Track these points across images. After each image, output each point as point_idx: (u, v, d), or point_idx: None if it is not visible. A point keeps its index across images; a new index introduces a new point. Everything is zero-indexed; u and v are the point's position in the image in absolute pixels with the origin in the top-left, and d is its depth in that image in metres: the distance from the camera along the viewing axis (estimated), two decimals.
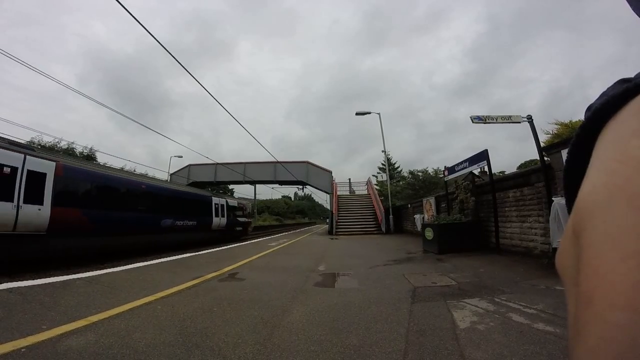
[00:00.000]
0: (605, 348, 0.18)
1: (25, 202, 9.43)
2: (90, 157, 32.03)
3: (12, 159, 9.23)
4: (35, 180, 9.83)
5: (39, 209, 9.84)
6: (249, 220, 30.13)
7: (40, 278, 5.65)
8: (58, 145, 31.20)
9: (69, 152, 30.49)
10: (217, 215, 21.71)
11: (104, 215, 12.39)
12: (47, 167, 10.28)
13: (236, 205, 25.59)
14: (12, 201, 9.11)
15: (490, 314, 3.70)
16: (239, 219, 25.54)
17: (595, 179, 0.23)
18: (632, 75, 0.29)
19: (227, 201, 23.78)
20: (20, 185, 9.35)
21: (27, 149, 10.74)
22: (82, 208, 11.43)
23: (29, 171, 9.61)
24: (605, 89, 0.29)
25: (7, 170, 9.03)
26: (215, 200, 21.89)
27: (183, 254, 10.09)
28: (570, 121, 12.92)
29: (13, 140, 11.23)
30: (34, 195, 9.71)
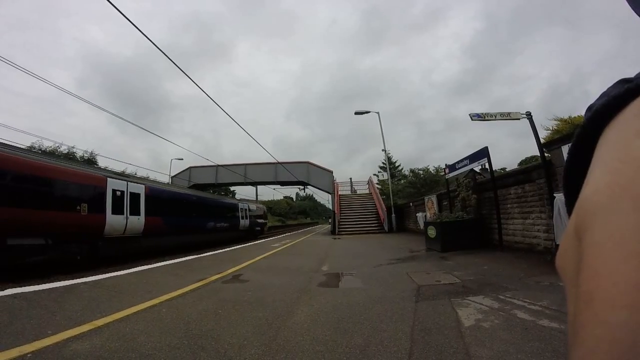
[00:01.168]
0: (605, 349, 0.18)
1: (130, 214, 13.62)
2: (90, 161, 32.02)
3: (122, 185, 13.46)
4: (135, 198, 14.13)
5: (138, 219, 14.06)
6: (266, 221, 35.03)
7: (44, 283, 5.66)
8: (58, 150, 31.20)
9: (70, 156, 30.50)
10: (242, 218, 26.69)
11: (174, 221, 16.82)
12: (140, 189, 14.59)
13: (255, 209, 30.52)
14: (123, 214, 13.19)
15: (494, 312, 3.70)
16: (258, 220, 30.85)
17: (599, 180, 0.23)
18: (631, 74, 0.29)
19: (249, 206, 28.66)
20: (126, 202, 13.47)
21: (128, 177, 15.90)
22: (161, 216, 15.74)
23: (131, 193, 13.85)
24: (604, 85, 0.29)
25: (119, 193, 13.09)
26: (241, 205, 27.00)
27: (186, 256, 10.10)
28: (569, 117, 12.88)
29: (120, 172, 17.24)
30: (135, 209, 13.99)
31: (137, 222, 13.92)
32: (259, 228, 30.59)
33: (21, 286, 5.22)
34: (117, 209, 12.80)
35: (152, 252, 14.23)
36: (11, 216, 8.93)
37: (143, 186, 14.83)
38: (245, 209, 27.60)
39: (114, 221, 12.56)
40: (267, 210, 35.72)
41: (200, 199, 20.99)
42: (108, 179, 12.77)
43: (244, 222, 26.91)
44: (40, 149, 28.19)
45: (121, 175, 15.03)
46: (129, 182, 13.95)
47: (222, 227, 22.91)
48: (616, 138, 0.24)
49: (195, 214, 19.41)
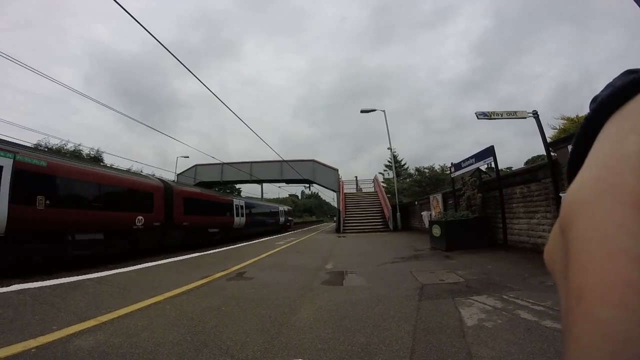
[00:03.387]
0: (598, 345, 0.18)
1: (240, 216, 24.27)
2: (97, 159, 32.24)
3: (240, 202, 25.19)
4: (242, 208, 24.73)
5: (242, 219, 24.27)
6: (292, 218, 49.55)
7: (50, 279, 5.72)
8: (65, 148, 31.42)
9: (76, 154, 30.71)
10: (281, 216, 38.19)
11: (254, 219, 27.64)
12: (243, 202, 25.57)
13: (287, 210, 43.49)
14: (240, 216, 24.06)
15: (498, 311, 3.68)
16: (289, 217, 43.55)
17: (586, 174, 0.23)
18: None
19: (284, 208, 41.59)
20: (240, 211, 24.33)
21: (233, 194, 33.64)
22: (250, 217, 26.28)
23: (240, 206, 24.57)
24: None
25: (240, 207, 24.49)
26: (281, 208, 39.34)
27: (191, 254, 10.15)
28: (577, 116, 12.79)
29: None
30: (242, 214, 24.64)
31: (243, 220, 24.71)
32: (288, 223, 42.32)
33: (27, 282, 5.27)
34: (239, 215, 23.89)
35: (245, 237, 22.01)
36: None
37: (244, 201, 26.08)
38: (283, 210, 40.02)
39: (238, 220, 23.71)
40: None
41: (264, 206, 33.13)
42: (234, 199, 24.25)
43: (282, 219, 38.39)
44: (46, 147, 28.43)
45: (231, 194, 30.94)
46: (240, 200, 25.55)
47: (272, 222, 34.05)
48: (613, 132, 0.24)
49: (262, 214, 30.94)
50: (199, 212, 17.73)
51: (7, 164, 8.51)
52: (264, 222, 30.70)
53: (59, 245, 9.94)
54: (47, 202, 9.49)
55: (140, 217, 13.17)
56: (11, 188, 8.47)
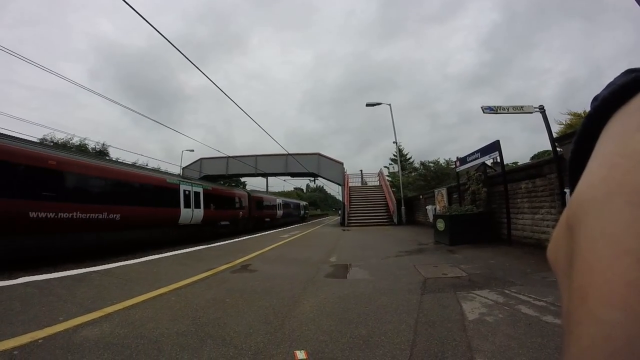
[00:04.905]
0: (600, 347, 0.18)
1: (280, 210, 36.30)
2: (102, 153, 32.44)
3: (278, 199, 37.03)
4: (280, 205, 36.83)
5: (280, 212, 35.60)
6: (308, 211, 62.67)
7: (56, 272, 5.80)
8: (70, 142, 31.62)
9: (81, 148, 30.92)
10: (301, 209, 50.10)
11: (287, 212, 38.22)
12: (279, 199, 37.37)
13: (305, 204, 57.37)
14: (281, 210, 36.54)
15: (499, 306, 3.70)
16: (306, 210, 57.20)
17: (595, 173, 0.23)
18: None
19: (304, 203, 56.33)
20: (281, 206, 36.69)
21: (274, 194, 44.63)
22: (284, 210, 36.90)
23: (279, 203, 36.51)
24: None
25: (283, 204, 37.96)
26: (301, 203, 52.75)
27: (195, 246, 10.23)
28: (584, 111, 12.66)
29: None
30: (281, 208, 36.33)
31: (281, 212, 35.35)
32: (306, 214, 54.37)
33: (33, 274, 5.35)
34: (280, 209, 34.58)
35: (283, 225, 30.89)
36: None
37: (282, 199, 37.21)
38: (303, 204, 53.76)
39: (280, 212, 34.52)
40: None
41: (292, 202, 45.44)
42: (277, 198, 35.56)
43: (302, 212, 50.86)
44: (52, 141, 28.63)
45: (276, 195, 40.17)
46: (280, 198, 36.52)
47: (296, 214, 45.64)
48: (618, 130, 0.24)
49: (291, 208, 42.35)
50: (262, 208, 29.24)
51: (200, 190, 18.21)
52: (291, 214, 41.86)
53: (213, 227, 19.64)
54: (213, 207, 19.44)
55: (240, 212, 24.04)
56: (203, 201, 18.38)
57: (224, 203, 21.26)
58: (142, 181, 13.75)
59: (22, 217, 8.70)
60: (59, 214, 9.73)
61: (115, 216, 11.87)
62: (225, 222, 21.32)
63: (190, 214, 16.78)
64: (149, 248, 12.20)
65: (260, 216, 28.20)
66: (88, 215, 10.72)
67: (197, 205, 17.59)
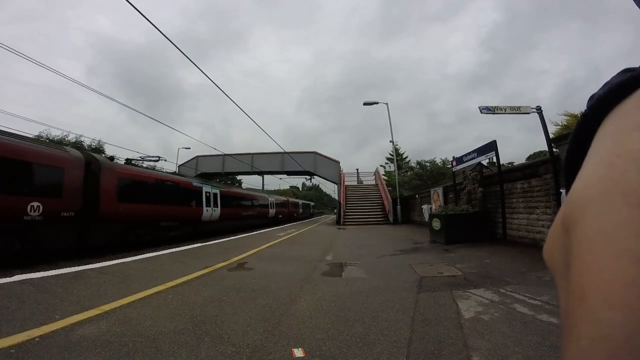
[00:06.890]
0: (599, 347, 0.18)
1: (302, 210, 52.97)
2: (98, 150, 32.22)
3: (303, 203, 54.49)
4: (297, 204, 50.71)
5: (311, 211, 64.35)
6: (314, 210, 71.35)
7: (52, 269, 5.77)
8: (66, 139, 31.38)
9: (77, 145, 30.71)
10: (308, 208, 58.96)
11: (300, 209, 49.88)
12: (298, 202, 51.88)
13: (312, 204, 70.74)
14: (302, 210, 53.89)
15: (495, 305, 3.73)
16: (311, 209, 65.61)
17: (591, 172, 0.23)
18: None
19: (312, 203, 71.20)
20: (302, 207, 54.62)
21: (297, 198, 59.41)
22: (303, 209, 52.58)
23: (303, 204, 57.08)
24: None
25: (304, 205, 56.52)
26: (311, 203, 68.20)
27: (192, 244, 10.21)
28: (580, 112, 12.74)
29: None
30: (301, 208, 52.06)
31: (301, 210, 49.23)
32: (313, 212, 65.86)
33: (29, 272, 5.32)
34: (299, 207, 49.37)
35: (300, 219, 43.06)
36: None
37: (300, 201, 54.03)
38: (310, 204, 63.87)
39: (299, 210, 48.35)
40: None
41: (305, 203, 57.82)
42: (298, 201, 52.71)
43: (310, 210, 61.60)
44: (47, 138, 28.41)
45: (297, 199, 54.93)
46: (297, 200, 52.57)
47: (305, 212, 53.32)
48: (614, 130, 0.24)
49: (304, 207, 53.08)
50: (285, 207, 37.86)
51: (218, 191, 20.28)
52: (304, 212, 52.95)
53: (241, 221, 23.52)
54: (229, 205, 21.91)
55: (270, 211, 31.08)
56: (220, 201, 20.36)
57: (252, 204, 26.69)
58: (183, 186, 16.87)
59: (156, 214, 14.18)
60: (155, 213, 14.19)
61: (172, 214, 15.54)
62: (252, 220, 25.58)
63: (210, 212, 19.14)
64: (149, 246, 12.16)
65: (284, 214, 37.12)
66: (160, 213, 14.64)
67: (215, 205, 19.92)
